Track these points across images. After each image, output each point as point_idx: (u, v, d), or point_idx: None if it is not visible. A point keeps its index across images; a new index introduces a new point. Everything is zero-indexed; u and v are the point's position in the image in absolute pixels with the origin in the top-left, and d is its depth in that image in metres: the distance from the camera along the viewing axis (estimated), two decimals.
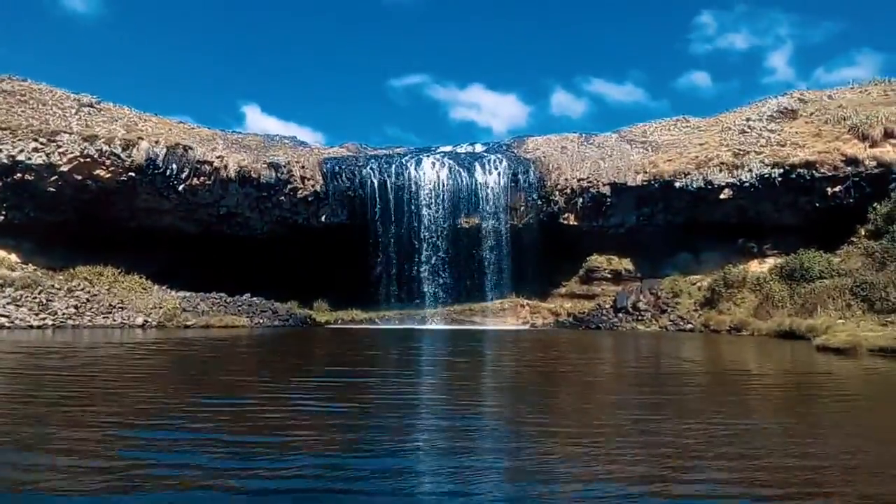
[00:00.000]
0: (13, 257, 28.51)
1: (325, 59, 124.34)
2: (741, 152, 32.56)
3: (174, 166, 30.47)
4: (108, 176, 29.35)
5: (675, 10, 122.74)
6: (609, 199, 33.99)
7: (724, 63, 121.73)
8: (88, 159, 28.88)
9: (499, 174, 35.17)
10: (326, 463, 4.51)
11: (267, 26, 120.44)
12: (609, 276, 35.42)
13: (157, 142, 30.68)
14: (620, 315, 31.77)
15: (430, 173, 35.02)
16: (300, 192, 33.26)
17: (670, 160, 33.70)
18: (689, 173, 32.43)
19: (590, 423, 6.22)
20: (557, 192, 34.64)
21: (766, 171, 31.33)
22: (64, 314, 24.37)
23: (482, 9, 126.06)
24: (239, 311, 29.44)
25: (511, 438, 5.53)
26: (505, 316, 35.30)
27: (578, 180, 34.39)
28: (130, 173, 29.64)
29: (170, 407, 6.86)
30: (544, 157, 36.96)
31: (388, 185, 34.41)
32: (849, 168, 30.61)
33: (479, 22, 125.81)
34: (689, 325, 29.00)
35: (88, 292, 26.26)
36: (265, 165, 32.67)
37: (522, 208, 35.31)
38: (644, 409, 7.26)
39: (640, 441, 5.36)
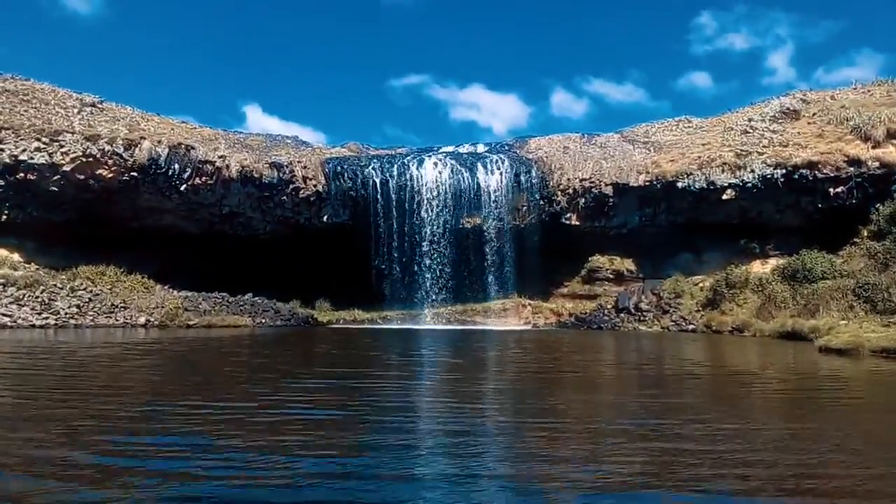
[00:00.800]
0: (15, 256, 28.55)
1: (325, 59, 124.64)
2: (744, 153, 32.52)
3: (176, 166, 30.49)
4: (110, 176, 29.38)
5: (674, 11, 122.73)
6: (611, 200, 33.96)
7: (724, 63, 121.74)
8: (91, 159, 28.91)
9: (501, 174, 35.15)
10: (322, 471, 4.40)
11: (267, 26, 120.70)
12: (611, 276, 35.41)
13: (159, 142, 30.71)
14: (622, 315, 31.75)
15: (432, 173, 35.01)
16: (302, 191, 33.28)
17: (672, 160, 33.67)
18: (691, 174, 32.40)
19: (592, 427, 6.21)
20: (559, 193, 34.61)
21: (768, 171, 31.30)
22: (66, 314, 24.38)
23: (482, 9, 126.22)
24: (241, 310, 29.45)
25: (513, 443, 5.52)
26: (507, 316, 35.28)
27: (581, 180, 34.36)
28: (133, 173, 29.66)
29: (160, 410, 6.68)
30: (546, 157, 36.93)
31: (391, 186, 34.42)
32: (851, 169, 30.57)
33: (479, 22, 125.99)
34: (691, 326, 28.96)
35: (91, 292, 26.28)
36: (267, 165, 32.68)
37: (524, 208, 35.29)
38: (647, 412, 7.24)
39: (643, 446, 5.34)
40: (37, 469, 4.27)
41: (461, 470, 4.45)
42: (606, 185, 33.91)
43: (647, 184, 33.19)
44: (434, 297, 35.41)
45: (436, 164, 35.57)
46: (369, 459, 4.72)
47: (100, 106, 34.64)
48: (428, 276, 35.34)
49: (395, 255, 35.38)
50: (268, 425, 5.93)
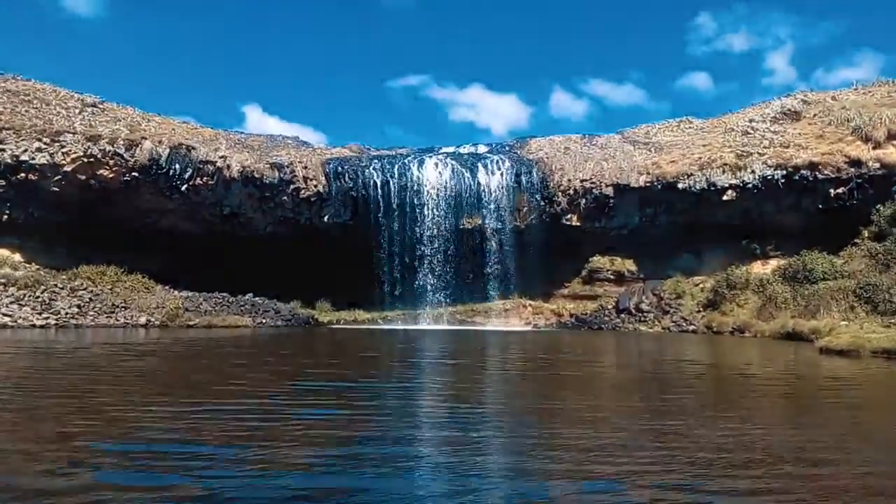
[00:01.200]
0: (16, 256, 28.57)
1: (325, 59, 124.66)
2: (744, 154, 32.52)
3: (177, 166, 30.50)
4: (111, 176, 29.40)
5: (673, 12, 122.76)
6: (612, 200, 33.95)
7: (723, 64, 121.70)
8: (92, 159, 28.93)
9: (501, 175, 35.15)
10: (315, 486, 4.28)
11: (267, 27, 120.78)
12: (612, 276, 35.41)
13: (160, 142, 30.72)
14: (623, 316, 31.76)
15: (433, 174, 35.02)
16: (303, 192, 33.28)
17: (673, 161, 33.65)
18: (692, 174, 32.39)
19: (595, 431, 6.18)
20: (560, 193, 34.61)
21: (769, 172, 31.30)
22: (67, 314, 24.39)
23: (482, 9, 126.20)
24: (242, 310, 29.45)
25: (514, 453, 5.47)
26: (507, 316, 35.30)
27: (581, 181, 34.35)
28: (134, 173, 29.68)
29: (150, 414, 6.51)
30: (547, 157, 36.93)
31: (391, 186, 34.43)
32: (852, 169, 30.57)
33: (479, 22, 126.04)
34: (692, 327, 28.96)
35: (91, 292, 26.28)
36: (268, 165, 32.69)
37: (525, 209, 35.30)
38: (649, 415, 7.21)
39: (645, 452, 5.32)
40: (21, 482, 4.15)
41: (462, 486, 4.33)
42: (607, 185, 33.90)
43: (647, 185, 33.18)
44: (435, 297, 35.43)
45: (437, 164, 35.58)
46: (368, 471, 4.65)
47: (101, 106, 34.67)
48: (429, 276, 35.36)
49: (396, 255, 35.39)
50: (265, 431, 5.83)
